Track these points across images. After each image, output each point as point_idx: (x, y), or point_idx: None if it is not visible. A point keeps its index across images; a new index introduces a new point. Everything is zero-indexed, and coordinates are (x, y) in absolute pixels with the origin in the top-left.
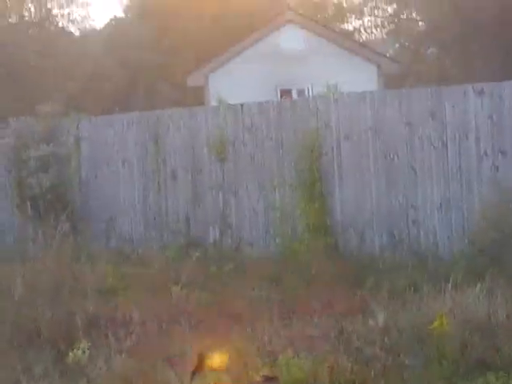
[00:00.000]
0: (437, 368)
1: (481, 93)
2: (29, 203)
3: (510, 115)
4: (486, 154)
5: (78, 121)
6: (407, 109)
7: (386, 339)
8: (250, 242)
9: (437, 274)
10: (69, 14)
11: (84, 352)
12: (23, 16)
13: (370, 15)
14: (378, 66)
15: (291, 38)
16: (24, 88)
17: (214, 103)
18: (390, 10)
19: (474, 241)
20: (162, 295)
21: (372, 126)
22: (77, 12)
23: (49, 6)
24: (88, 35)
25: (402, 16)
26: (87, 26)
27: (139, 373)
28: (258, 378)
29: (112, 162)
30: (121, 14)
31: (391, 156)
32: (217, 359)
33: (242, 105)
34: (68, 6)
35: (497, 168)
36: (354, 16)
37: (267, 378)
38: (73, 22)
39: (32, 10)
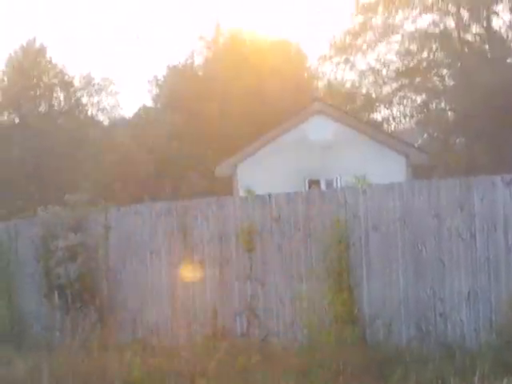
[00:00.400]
0: None
1: (509, 184)
2: (56, 292)
3: None
4: None
5: (106, 210)
6: (436, 200)
7: None
8: (277, 332)
9: (464, 367)
10: (98, 102)
11: None
12: (53, 105)
13: (399, 105)
14: (407, 157)
15: (320, 129)
16: (53, 177)
17: (242, 193)
18: (419, 99)
19: (502, 332)
20: None
21: (400, 217)
22: (106, 101)
23: (78, 94)
24: (117, 124)
25: (431, 106)
26: (116, 114)
27: None
28: None
29: (140, 251)
30: (150, 103)
31: (419, 247)
32: None
33: (269, 195)
34: (97, 95)
35: None
36: (382, 106)
37: None
38: (102, 110)
39: (61, 98)
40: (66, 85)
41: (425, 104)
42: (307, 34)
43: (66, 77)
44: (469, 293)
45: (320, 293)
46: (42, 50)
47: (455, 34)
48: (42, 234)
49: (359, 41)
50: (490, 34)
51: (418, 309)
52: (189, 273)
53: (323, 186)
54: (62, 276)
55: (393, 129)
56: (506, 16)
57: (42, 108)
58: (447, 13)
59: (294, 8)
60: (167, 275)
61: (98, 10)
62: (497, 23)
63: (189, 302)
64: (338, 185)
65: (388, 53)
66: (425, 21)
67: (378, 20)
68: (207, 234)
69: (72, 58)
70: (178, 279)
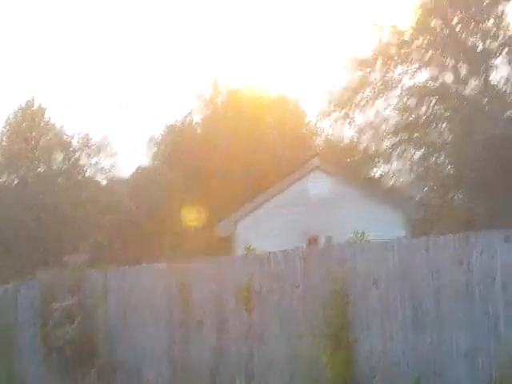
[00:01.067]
0: None
1: (508, 239)
2: (55, 355)
3: None
4: None
5: (105, 271)
6: (434, 256)
7: None
8: None
9: None
10: (96, 163)
11: None
12: (51, 165)
13: (398, 160)
14: (406, 211)
15: (319, 185)
16: (52, 237)
17: (242, 251)
18: (418, 154)
19: None
20: None
21: (399, 273)
22: (104, 161)
23: (76, 155)
24: (115, 184)
25: (430, 160)
26: (114, 174)
27: None
28: None
29: (139, 312)
30: (147, 163)
31: (418, 303)
32: None
33: (269, 253)
34: (95, 155)
35: None
36: (381, 161)
37: None
38: (100, 171)
39: (60, 159)
40: (65, 146)
41: (424, 158)
42: (305, 90)
43: (65, 137)
44: (468, 349)
45: (318, 351)
46: (40, 111)
47: (453, 88)
48: (41, 297)
49: (358, 96)
50: (489, 87)
51: (416, 365)
52: (188, 332)
53: (322, 242)
54: (60, 338)
55: (392, 183)
56: (505, 70)
57: (41, 169)
58: (445, 67)
59: (292, 64)
60: (166, 335)
61: (96, 70)
62: (495, 77)
63: (188, 362)
64: (337, 241)
65: (386, 108)
66: (423, 76)
67: (376, 75)
68: (206, 293)
69: (70, 118)
70: (177, 338)
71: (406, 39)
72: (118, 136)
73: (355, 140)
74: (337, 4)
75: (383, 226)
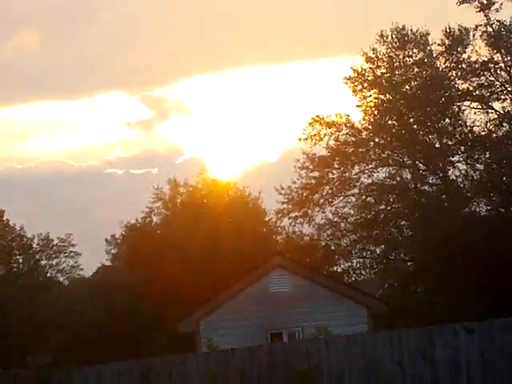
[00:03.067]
0: None
1: (471, 331)
2: None
3: (501, 353)
4: None
5: (69, 373)
6: (398, 349)
7: None
8: None
9: None
10: (57, 264)
11: None
12: (12, 267)
13: (358, 257)
14: (368, 307)
15: (280, 283)
16: (14, 340)
17: (205, 348)
18: (378, 251)
19: None
20: None
21: (363, 367)
22: (65, 262)
23: (37, 257)
24: (77, 284)
25: (390, 256)
26: (75, 275)
27: None
28: None
29: None
30: (108, 262)
31: None
32: None
33: (232, 350)
34: (56, 256)
35: None
36: (342, 258)
37: None
38: (61, 271)
39: (20, 261)
40: (25, 248)
41: (384, 255)
42: (263, 188)
43: (25, 239)
44: None
45: None
46: None
47: (412, 185)
48: None
49: (316, 195)
50: (447, 184)
51: None
52: None
53: (285, 338)
54: None
55: (353, 280)
56: (462, 166)
57: (1, 271)
58: (403, 165)
59: (250, 161)
60: None
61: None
62: (453, 173)
63: None
64: (301, 336)
65: (345, 206)
66: (381, 173)
67: (334, 174)
68: None
69: (30, 218)
70: None
71: (364, 137)
72: (79, 234)
73: (315, 238)
74: (290, 98)
75: (346, 321)
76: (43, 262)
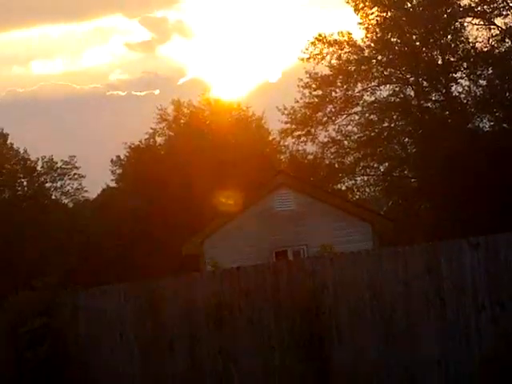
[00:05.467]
0: None
1: (476, 246)
2: (28, 378)
3: (507, 267)
4: (483, 307)
5: (74, 292)
6: (403, 266)
7: None
8: None
9: None
10: (61, 186)
11: None
12: (17, 190)
13: (362, 175)
14: (373, 224)
15: (284, 201)
16: (21, 261)
17: (210, 268)
18: (382, 168)
19: None
20: None
21: (369, 284)
22: (69, 184)
23: (41, 179)
24: (81, 206)
25: (394, 174)
26: (80, 197)
27: None
28: None
29: (110, 333)
30: (113, 184)
31: (389, 314)
32: None
33: (237, 268)
34: (60, 179)
35: (496, 321)
36: (346, 176)
37: None
38: (66, 194)
39: (25, 184)
40: (29, 171)
41: (388, 172)
42: (267, 108)
43: (29, 162)
44: (440, 357)
45: (291, 364)
46: (2, 137)
47: (415, 102)
48: (12, 320)
49: (319, 114)
50: (450, 100)
51: (389, 377)
52: (160, 351)
53: (290, 257)
54: (31, 360)
55: (358, 198)
56: (465, 82)
57: (6, 194)
58: (406, 82)
59: (252, 80)
60: (138, 355)
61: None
62: (456, 89)
63: (161, 382)
64: (306, 254)
65: (349, 124)
66: (384, 91)
67: (337, 93)
68: (176, 311)
69: (34, 141)
70: (149, 359)
71: (366, 55)
72: (83, 156)
73: (319, 156)
74: (292, 17)
75: (351, 238)
76: (48, 185)
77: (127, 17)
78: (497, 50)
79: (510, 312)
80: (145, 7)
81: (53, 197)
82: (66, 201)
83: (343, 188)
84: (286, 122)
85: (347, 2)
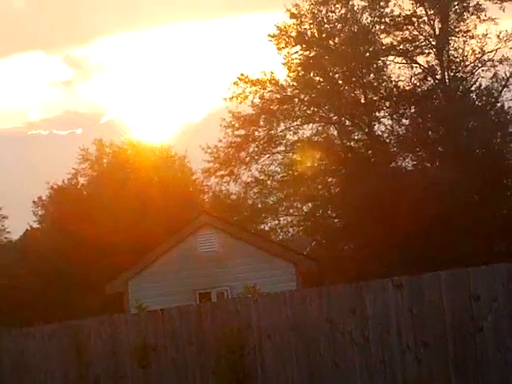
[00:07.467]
0: None
1: (399, 286)
2: None
3: (430, 307)
4: (408, 347)
5: None
6: (327, 306)
7: None
8: None
9: None
10: None
11: None
12: None
13: (285, 215)
14: (296, 265)
15: (207, 241)
16: None
17: (134, 309)
18: (305, 208)
19: None
20: None
21: (293, 324)
22: None
23: None
24: (4, 247)
25: (317, 213)
26: (3, 238)
27: None
28: None
29: (35, 372)
30: (36, 225)
31: (313, 353)
32: None
33: (162, 310)
34: None
35: (419, 360)
36: (269, 216)
37: None
38: None
39: None
40: None
41: (311, 212)
42: (190, 147)
43: None
44: None
45: None
46: None
47: (338, 141)
48: None
49: (242, 153)
50: (373, 139)
51: None
52: None
53: (214, 298)
54: None
55: (281, 238)
56: (388, 121)
57: None
58: (329, 121)
59: (174, 119)
60: None
61: None
62: (379, 128)
63: None
64: (229, 295)
65: (272, 164)
66: (307, 130)
67: (259, 132)
68: (101, 351)
69: None
70: None
71: (289, 94)
72: (5, 197)
73: (242, 196)
74: (213, 55)
75: (274, 279)
76: None
77: (48, 54)
78: (419, 89)
79: (433, 352)
80: (66, 44)
81: None
82: None
83: (266, 228)
84: (209, 162)
85: (270, 41)
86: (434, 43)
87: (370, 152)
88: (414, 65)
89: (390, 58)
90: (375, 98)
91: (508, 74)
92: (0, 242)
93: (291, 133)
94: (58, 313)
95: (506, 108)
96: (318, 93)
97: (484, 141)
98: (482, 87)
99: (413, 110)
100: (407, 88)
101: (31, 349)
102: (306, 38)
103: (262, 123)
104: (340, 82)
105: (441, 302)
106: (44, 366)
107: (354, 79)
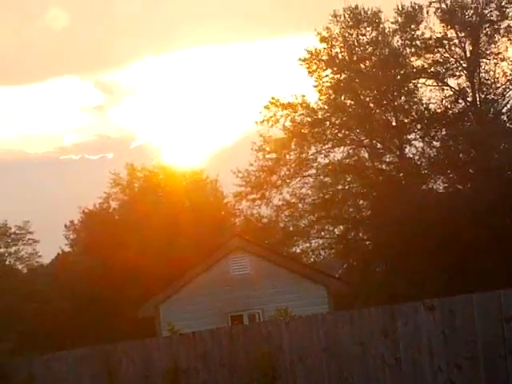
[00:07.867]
0: None
1: (431, 308)
2: None
3: (462, 329)
4: (440, 369)
5: (29, 358)
6: (359, 329)
7: None
8: None
9: None
10: (15, 252)
11: None
12: None
13: (317, 237)
14: (328, 287)
15: (239, 264)
16: None
17: (165, 333)
18: (336, 231)
19: None
20: None
21: (325, 347)
22: (24, 250)
23: None
24: (36, 271)
25: (349, 236)
26: (34, 262)
27: None
28: None
29: None
30: (67, 249)
31: (345, 376)
32: None
33: (193, 333)
34: (15, 244)
35: (453, 382)
36: (300, 239)
37: None
38: (20, 259)
39: None
40: None
41: (343, 235)
42: (222, 170)
43: None
44: None
45: None
46: None
47: (369, 164)
48: None
49: (274, 177)
50: (404, 162)
51: None
52: None
53: (246, 321)
54: None
55: (312, 260)
56: (419, 144)
57: None
58: (360, 144)
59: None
60: None
61: None
62: (410, 151)
63: None
64: (261, 318)
65: (303, 187)
66: (338, 153)
67: (291, 156)
68: (133, 375)
69: None
70: None
71: (320, 118)
72: (37, 221)
73: (273, 219)
74: (244, 79)
75: (306, 301)
76: (1, 250)
77: (81, 79)
78: (450, 111)
79: (465, 375)
80: (98, 69)
81: (7, 262)
82: (20, 266)
83: (298, 251)
84: (241, 185)
85: (301, 65)
86: (464, 65)
87: (401, 174)
88: (445, 87)
89: (421, 80)
90: (406, 121)
91: None
92: (31, 266)
93: (322, 156)
94: (90, 337)
95: None
96: (349, 116)
97: None
98: None
99: (444, 133)
100: (438, 110)
101: (63, 373)
102: (337, 61)
103: (293, 146)
104: (371, 104)
105: (472, 324)
106: None
107: (385, 102)
